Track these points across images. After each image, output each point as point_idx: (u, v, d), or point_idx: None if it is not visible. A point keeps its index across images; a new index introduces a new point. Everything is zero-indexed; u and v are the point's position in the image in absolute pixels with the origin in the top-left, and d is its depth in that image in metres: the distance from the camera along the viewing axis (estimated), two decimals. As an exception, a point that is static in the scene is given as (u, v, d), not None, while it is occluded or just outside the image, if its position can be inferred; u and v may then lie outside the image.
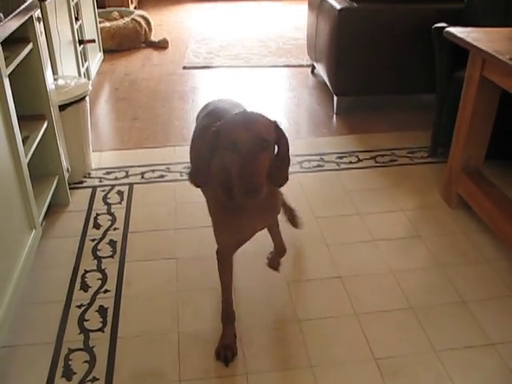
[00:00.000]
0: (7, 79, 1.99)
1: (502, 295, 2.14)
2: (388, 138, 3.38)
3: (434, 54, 3.01)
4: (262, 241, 2.16)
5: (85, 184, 2.94)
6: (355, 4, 3.49)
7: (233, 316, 1.94)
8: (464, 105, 2.52)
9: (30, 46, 2.36)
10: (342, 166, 3.08)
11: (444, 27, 2.75)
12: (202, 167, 1.55)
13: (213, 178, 1.59)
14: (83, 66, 4.00)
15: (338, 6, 3.48)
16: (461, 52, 2.48)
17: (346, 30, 3.48)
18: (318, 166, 3.07)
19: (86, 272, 2.28)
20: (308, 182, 2.92)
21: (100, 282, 2.22)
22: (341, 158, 3.15)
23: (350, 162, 3.11)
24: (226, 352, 1.86)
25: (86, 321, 2.02)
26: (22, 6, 2.19)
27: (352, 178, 2.97)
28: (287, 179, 1.62)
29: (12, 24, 2.06)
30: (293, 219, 2.47)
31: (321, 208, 2.70)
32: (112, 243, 2.46)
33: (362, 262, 2.32)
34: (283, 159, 1.57)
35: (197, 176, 1.61)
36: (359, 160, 3.14)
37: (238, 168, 1.41)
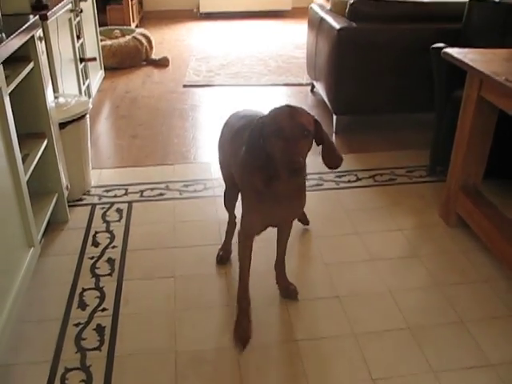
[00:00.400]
0: (8, 98, 2.01)
1: (500, 315, 2.13)
2: (387, 157, 3.39)
3: (432, 73, 3.03)
4: (260, 259, 2.16)
5: (84, 201, 2.94)
6: (354, 24, 3.52)
7: (248, 301, 2.09)
8: (462, 124, 2.54)
9: (31, 65, 2.37)
10: (341, 184, 3.09)
11: (442, 47, 2.77)
12: (256, 153, 1.72)
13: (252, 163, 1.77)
14: (84, 83, 4.03)
15: (337, 26, 3.51)
16: (459, 71, 2.50)
17: (345, 49, 3.51)
18: (317, 184, 3.08)
19: (84, 290, 2.27)
20: (307, 201, 2.90)
21: (98, 300, 2.22)
22: (340, 176, 3.16)
23: (349, 181, 3.12)
24: (243, 335, 2.01)
25: (83, 339, 2.01)
26: (24, 26, 2.21)
27: (351, 196, 2.97)
28: (341, 159, 1.88)
29: (13, 43, 2.08)
30: (301, 216, 2.62)
31: (320, 227, 2.70)
32: (110, 261, 2.45)
33: (361, 282, 2.32)
34: (329, 145, 1.83)
35: (254, 160, 1.75)
36: (358, 179, 3.15)
37: (283, 151, 1.61)
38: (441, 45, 2.92)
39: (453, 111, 2.70)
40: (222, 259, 2.44)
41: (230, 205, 2.39)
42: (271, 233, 2.10)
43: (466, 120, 2.49)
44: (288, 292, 2.25)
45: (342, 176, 3.17)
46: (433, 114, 3.13)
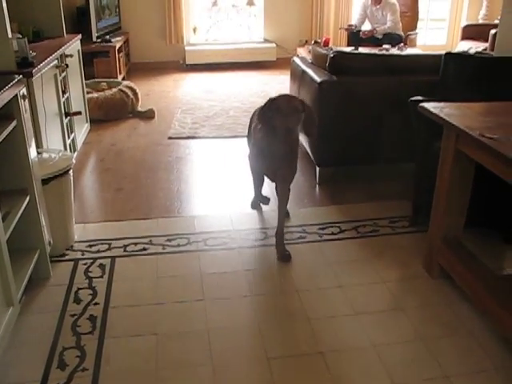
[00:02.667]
0: (-12, 158, 2.01)
1: (485, 368, 2.13)
2: (370, 208, 3.41)
3: (412, 124, 3.08)
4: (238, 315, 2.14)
5: (67, 257, 2.92)
6: (335, 77, 3.60)
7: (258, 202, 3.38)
8: (441, 177, 2.58)
9: (14, 123, 2.39)
10: (324, 237, 3.09)
11: (420, 100, 2.84)
12: (265, 120, 2.71)
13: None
14: (69, 137, 4.05)
15: (318, 79, 3.59)
16: (437, 123, 2.55)
17: (326, 101, 3.58)
18: (300, 237, 3.09)
19: (65, 349, 2.24)
20: (290, 253, 2.92)
21: (78, 359, 2.18)
22: (323, 229, 3.17)
23: (332, 233, 3.13)
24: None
25: (62, 402, 1.97)
26: (7, 87, 2.24)
27: (334, 249, 2.98)
28: (315, 134, 2.87)
29: (-4, 104, 2.10)
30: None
31: (302, 280, 2.70)
32: (92, 319, 2.42)
33: (344, 337, 2.30)
34: (311, 120, 2.73)
35: (262, 121, 2.73)
36: (341, 231, 3.16)
37: (281, 121, 2.60)
38: (419, 98, 2.99)
39: (433, 162, 2.73)
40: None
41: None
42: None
43: (445, 172, 2.53)
44: (284, 257, 2.86)
45: (325, 228, 3.18)
46: (413, 164, 3.18)
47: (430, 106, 2.53)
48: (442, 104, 2.54)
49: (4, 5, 2.90)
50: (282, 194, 2.98)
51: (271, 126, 2.65)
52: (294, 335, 2.32)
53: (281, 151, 2.75)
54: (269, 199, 3.44)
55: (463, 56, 3.45)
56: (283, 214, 2.95)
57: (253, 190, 3.43)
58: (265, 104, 2.71)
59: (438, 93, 3.19)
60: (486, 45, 6.39)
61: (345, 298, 2.55)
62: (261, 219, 3.33)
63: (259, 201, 3.45)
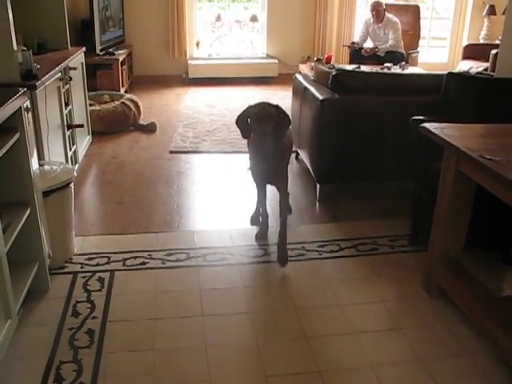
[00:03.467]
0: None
1: (483, 391, 2.12)
2: (369, 226, 3.42)
3: (412, 143, 3.10)
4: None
5: (66, 270, 2.92)
6: (337, 95, 3.62)
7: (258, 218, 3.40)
8: (441, 197, 2.58)
9: (17, 135, 2.40)
10: (324, 254, 3.09)
11: (421, 120, 2.86)
12: (242, 125, 2.94)
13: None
14: (71, 149, 4.06)
15: (320, 97, 3.61)
16: (438, 143, 2.56)
17: (327, 119, 3.60)
18: (300, 254, 3.09)
19: (62, 363, 2.23)
20: (289, 271, 2.93)
21: (75, 373, 2.17)
22: (322, 246, 3.18)
23: (332, 251, 3.13)
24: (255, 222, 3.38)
25: (58, 417, 1.96)
26: (11, 100, 2.25)
27: (333, 267, 2.98)
28: (284, 134, 3.00)
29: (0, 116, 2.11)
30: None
31: (301, 298, 2.70)
32: (90, 332, 2.42)
33: (342, 356, 2.30)
34: (282, 123, 2.93)
35: (239, 126, 2.96)
36: (341, 248, 3.16)
37: (257, 126, 2.83)
38: (420, 117, 3.01)
39: (433, 181, 2.74)
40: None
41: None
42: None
43: (445, 192, 2.54)
44: (281, 259, 2.96)
45: (325, 245, 3.18)
46: (414, 183, 3.19)
47: (431, 126, 2.54)
48: (442, 124, 2.56)
49: (10, 18, 2.92)
50: (280, 197, 3.14)
51: (246, 130, 2.94)
52: (292, 353, 2.32)
53: (265, 153, 2.97)
54: (267, 220, 3.37)
55: (465, 76, 3.48)
56: (285, 217, 3.07)
57: (255, 205, 3.45)
58: (243, 110, 2.93)
59: (439, 112, 3.20)
60: (487, 64, 6.43)
61: (343, 316, 2.55)
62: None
63: (260, 216, 3.42)
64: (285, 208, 3.13)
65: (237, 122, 2.96)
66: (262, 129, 2.81)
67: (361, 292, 2.76)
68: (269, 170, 3.05)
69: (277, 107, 2.92)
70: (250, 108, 2.91)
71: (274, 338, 2.42)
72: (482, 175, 2.19)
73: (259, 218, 3.42)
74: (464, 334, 2.44)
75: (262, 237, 3.29)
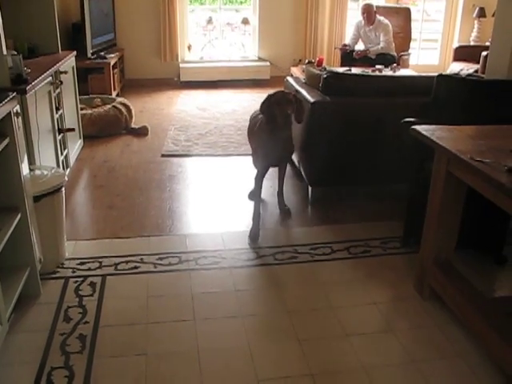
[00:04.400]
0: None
1: (475, 392, 2.12)
2: (362, 228, 3.42)
3: (403, 145, 3.10)
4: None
5: (57, 274, 2.91)
6: (328, 97, 3.63)
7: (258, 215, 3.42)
8: (432, 199, 2.59)
9: (7, 140, 2.39)
10: (316, 257, 3.09)
11: (412, 122, 2.86)
12: (268, 113, 3.30)
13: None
14: (62, 153, 4.05)
15: (311, 99, 3.62)
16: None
17: (318, 122, 3.60)
18: (292, 257, 3.09)
19: (53, 369, 2.22)
20: (281, 274, 2.93)
21: (67, 379, 2.16)
22: (315, 249, 3.17)
23: (324, 254, 3.13)
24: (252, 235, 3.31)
25: (49, 424, 1.95)
26: (1, 104, 2.24)
27: (325, 269, 2.98)
28: (302, 119, 3.36)
29: (-12, 122, 2.10)
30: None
31: (293, 301, 2.69)
32: (81, 338, 2.41)
33: (335, 359, 2.30)
34: (300, 109, 3.30)
35: (264, 112, 3.33)
36: (333, 251, 3.16)
37: (280, 110, 3.21)
38: (411, 119, 3.02)
39: (424, 183, 2.75)
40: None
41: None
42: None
43: (436, 194, 2.54)
44: (285, 212, 3.67)
45: (317, 248, 3.18)
46: (405, 185, 3.19)
47: (422, 128, 2.55)
48: (433, 127, 2.56)
49: (0, 22, 2.91)
50: (283, 169, 3.70)
51: (272, 114, 3.25)
52: (284, 356, 2.31)
53: (282, 137, 3.35)
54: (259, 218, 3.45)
55: (455, 78, 3.48)
56: (283, 180, 3.73)
57: (251, 200, 3.67)
58: (266, 98, 3.32)
59: (430, 114, 3.21)
60: (477, 66, 6.46)
61: (336, 319, 2.55)
62: (253, 238, 3.33)
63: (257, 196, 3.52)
64: (284, 175, 3.73)
65: (261, 107, 3.36)
66: (285, 112, 3.21)
67: (353, 294, 2.76)
68: (285, 151, 3.50)
69: (294, 94, 3.36)
70: (271, 96, 3.32)
71: (267, 341, 2.41)
72: (473, 177, 2.20)
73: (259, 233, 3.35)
74: (456, 335, 2.44)
75: (255, 237, 3.30)
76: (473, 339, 2.39)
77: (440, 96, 3.34)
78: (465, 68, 7.08)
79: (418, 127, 2.57)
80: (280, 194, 3.73)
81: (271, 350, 2.36)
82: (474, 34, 8.22)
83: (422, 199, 2.73)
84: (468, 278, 2.57)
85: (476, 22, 8.17)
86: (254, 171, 3.52)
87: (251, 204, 3.49)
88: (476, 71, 6.20)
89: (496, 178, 1.98)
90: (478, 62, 6.45)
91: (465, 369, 2.24)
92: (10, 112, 2.40)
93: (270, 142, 3.35)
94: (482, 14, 8.00)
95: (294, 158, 4.15)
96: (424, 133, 2.48)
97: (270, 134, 3.33)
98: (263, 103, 3.32)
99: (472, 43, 8.15)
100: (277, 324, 2.52)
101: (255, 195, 3.48)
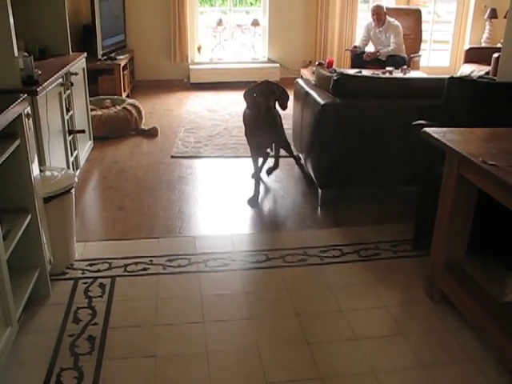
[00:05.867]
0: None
1: (486, 397, 2.11)
2: (372, 231, 3.41)
3: (414, 147, 3.08)
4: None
5: (67, 275, 2.91)
6: (338, 99, 3.61)
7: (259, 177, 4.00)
8: (443, 202, 2.57)
9: (18, 142, 2.40)
10: (326, 260, 3.08)
11: (423, 124, 2.84)
12: (250, 102, 3.75)
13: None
14: (72, 155, 4.06)
15: (321, 101, 3.60)
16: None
17: (328, 124, 3.59)
18: (302, 260, 3.08)
19: (62, 370, 2.22)
20: (291, 276, 2.91)
21: (76, 380, 2.16)
22: (324, 251, 3.16)
23: (334, 256, 3.12)
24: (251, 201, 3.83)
25: (59, 425, 1.95)
26: (12, 106, 2.25)
27: (335, 272, 2.97)
28: (286, 106, 3.81)
29: (0, 122, 2.11)
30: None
31: (302, 304, 2.68)
32: (91, 339, 2.41)
33: (344, 362, 2.28)
34: (283, 98, 3.74)
35: (247, 100, 3.77)
36: (342, 254, 3.15)
37: (262, 100, 3.61)
38: (422, 122, 3.00)
39: (435, 186, 2.73)
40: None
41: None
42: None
43: (447, 197, 2.53)
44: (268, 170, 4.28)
45: (327, 251, 3.17)
46: (415, 187, 3.17)
47: (433, 131, 2.53)
48: (444, 129, 2.54)
49: (11, 24, 2.93)
50: (277, 151, 4.17)
51: (254, 104, 3.70)
52: (293, 359, 2.30)
53: (265, 121, 3.75)
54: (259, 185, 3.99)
55: (466, 80, 3.46)
56: (278, 154, 4.21)
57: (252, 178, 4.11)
58: (249, 88, 3.70)
59: (441, 117, 3.19)
60: (489, 68, 6.42)
61: (345, 322, 2.54)
62: (262, 241, 3.32)
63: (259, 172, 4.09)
64: (278, 153, 4.18)
65: (244, 96, 3.74)
66: (267, 103, 3.62)
67: (363, 297, 2.74)
68: (270, 135, 3.88)
69: (277, 85, 3.75)
70: (255, 85, 3.70)
71: (276, 343, 2.40)
72: (484, 180, 2.18)
73: (258, 200, 3.88)
74: (467, 339, 2.42)
75: (253, 203, 3.82)
76: (484, 343, 2.37)
77: (451, 98, 3.32)
78: (476, 70, 7.04)
79: (428, 130, 2.55)
80: (275, 165, 4.23)
81: (280, 352, 2.35)
82: (485, 35, 8.17)
83: (433, 202, 2.71)
84: (479, 282, 2.55)
85: (487, 23, 8.13)
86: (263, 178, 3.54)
87: (260, 205, 3.61)
88: (487, 73, 6.16)
89: (508, 181, 1.97)
90: (489, 64, 6.42)
91: (476, 373, 2.22)
92: (21, 113, 2.41)
93: (255, 127, 3.82)
94: (493, 15, 7.96)
95: (304, 159, 4.15)
96: (435, 135, 2.47)
97: (254, 121, 3.81)
98: (247, 92, 3.73)
99: (483, 45, 8.11)
100: (286, 326, 2.51)
101: (255, 173, 4.00)
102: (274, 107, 3.73)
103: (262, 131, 3.80)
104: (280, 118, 3.91)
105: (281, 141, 4.00)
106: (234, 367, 2.26)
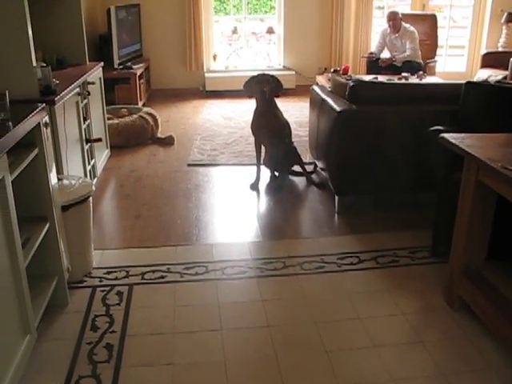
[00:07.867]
0: (10, 187, 2.04)
1: (507, 406, 2.07)
2: (389, 238, 3.38)
3: (431, 153, 3.06)
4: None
5: (85, 284, 2.93)
6: (354, 106, 3.60)
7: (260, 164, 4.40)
8: (462, 208, 2.55)
9: (36, 151, 2.42)
10: (343, 267, 3.06)
11: (440, 130, 2.82)
12: (249, 89, 4.25)
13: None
14: (89, 163, 4.09)
15: (337, 108, 3.59)
16: (458, 153, 2.52)
17: (345, 131, 3.58)
18: (319, 267, 3.06)
19: (81, 378, 2.23)
20: (308, 284, 2.90)
21: (94, 388, 2.17)
22: (342, 258, 3.14)
23: (351, 263, 3.10)
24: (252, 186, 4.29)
25: (77, 433, 1.95)
26: (30, 115, 2.27)
27: (353, 279, 2.95)
28: (279, 94, 4.32)
29: (19, 132, 2.14)
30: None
31: (320, 312, 2.67)
32: (109, 347, 2.41)
33: (363, 371, 2.26)
34: (277, 87, 4.24)
35: (246, 88, 4.27)
36: (360, 261, 3.13)
37: (258, 87, 4.14)
38: (439, 127, 2.98)
39: (454, 192, 2.71)
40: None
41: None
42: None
43: (466, 204, 2.50)
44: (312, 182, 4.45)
45: (344, 258, 3.15)
46: (433, 193, 3.15)
47: (451, 136, 2.51)
48: (462, 135, 2.53)
49: (30, 35, 2.97)
50: (270, 148, 4.39)
51: (250, 90, 4.22)
52: (311, 367, 2.29)
53: (262, 110, 4.24)
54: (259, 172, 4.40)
55: (484, 85, 3.43)
56: (275, 161, 4.38)
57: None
58: (248, 79, 4.23)
59: (458, 122, 3.17)
60: (506, 73, 6.37)
61: (363, 329, 2.52)
62: (279, 248, 3.31)
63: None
64: (269, 162, 4.41)
65: (244, 86, 4.26)
66: (261, 88, 4.12)
67: (381, 305, 2.72)
68: (266, 124, 4.23)
69: (272, 75, 4.27)
70: (253, 76, 4.24)
71: (294, 351, 2.39)
72: (504, 186, 2.15)
73: (258, 186, 4.31)
74: (488, 347, 2.39)
75: (254, 187, 4.28)
76: (504, 351, 2.34)
77: (468, 104, 3.30)
78: (493, 75, 6.98)
79: (446, 135, 2.54)
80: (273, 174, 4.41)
81: (298, 360, 2.33)
82: (502, 39, 8.11)
83: (451, 208, 2.69)
84: (499, 289, 2.52)
85: (504, 27, 8.06)
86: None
87: (276, 212, 3.52)
88: (505, 78, 6.11)
89: (528, 186, 1.94)
90: (506, 69, 6.37)
91: (496, 382, 2.20)
92: (39, 123, 2.44)
93: (255, 115, 4.30)
94: (510, 19, 7.89)
95: (321, 166, 4.13)
96: (453, 141, 2.45)
97: (255, 110, 4.30)
98: (246, 82, 4.25)
99: (500, 49, 8.04)
100: (304, 334, 2.50)
101: (256, 160, 4.40)
102: (271, 97, 4.22)
103: (258, 120, 4.27)
104: (287, 122, 4.37)
105: (280, 134, 4.27)
106: (252, 375, 2.25)
